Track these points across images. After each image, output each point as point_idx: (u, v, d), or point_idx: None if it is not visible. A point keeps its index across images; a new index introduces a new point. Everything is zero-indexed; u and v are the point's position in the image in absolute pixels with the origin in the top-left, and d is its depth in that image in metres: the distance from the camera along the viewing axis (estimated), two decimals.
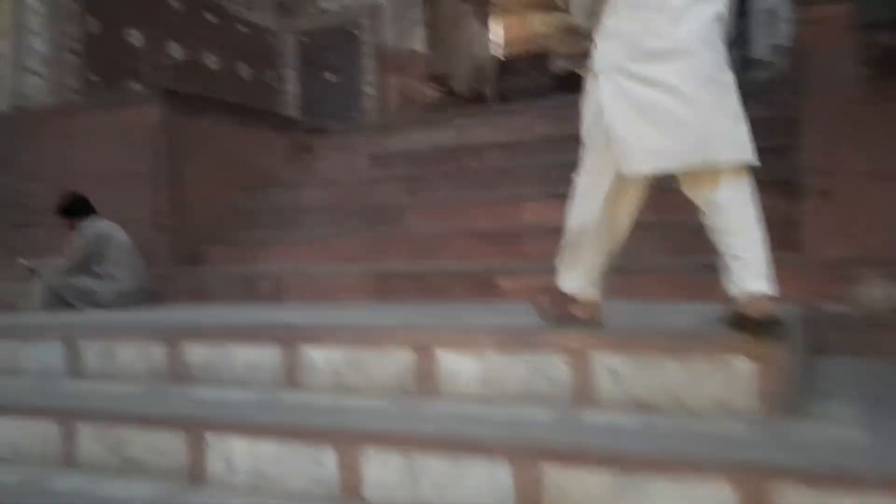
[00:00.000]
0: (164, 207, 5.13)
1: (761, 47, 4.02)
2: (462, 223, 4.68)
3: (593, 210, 2.39)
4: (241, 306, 4.44)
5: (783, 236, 3.84)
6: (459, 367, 2.54)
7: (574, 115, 5.84)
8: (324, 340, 2.76)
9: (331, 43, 7.47)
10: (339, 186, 5.65)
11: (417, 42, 7.81)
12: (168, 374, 3.07)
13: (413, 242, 4.66)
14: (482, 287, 4.02)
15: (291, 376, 2.80)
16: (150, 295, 4.80)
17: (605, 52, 2.24)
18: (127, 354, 3.18)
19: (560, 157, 4.91)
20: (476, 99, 8.90)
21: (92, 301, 4.58)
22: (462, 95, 8.62)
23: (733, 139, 2.20)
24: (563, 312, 2.52)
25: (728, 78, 2.18)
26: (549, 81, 9.13)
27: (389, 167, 5.77)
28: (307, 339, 2.80)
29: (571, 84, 9.62)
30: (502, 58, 9.76)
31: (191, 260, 5.18)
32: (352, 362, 2.71)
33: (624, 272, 3.77)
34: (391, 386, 2.63)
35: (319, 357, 2.76)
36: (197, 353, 3.01)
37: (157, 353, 3.11)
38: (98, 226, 4.72)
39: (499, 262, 4.22)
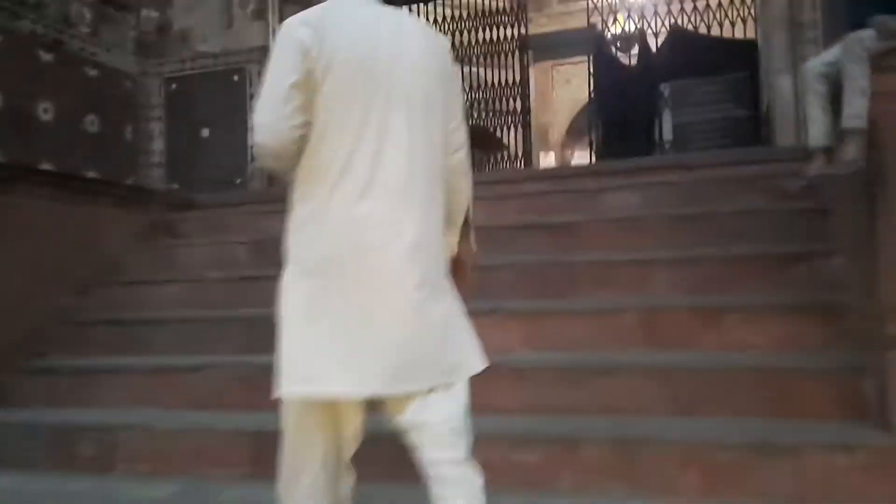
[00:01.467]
0: None
1: (818, 130, 2.98)
2: None
3: None
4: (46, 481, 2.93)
5: (845, 396, 2.75)
6: None
7: (527, 192, 4.20)
8: None
9: (208, 91, 6.05)
10: (208, 286, 4.21)
11: None
12: None
13: None
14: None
15: None
16: None
17: None
18: None
19: (513, 258, 3.71)
20: None
21: None
22: None
23: None
24: None
25: None
26: (471, 140, 7.95)
27: (277, 258, 4.36)
28: None
29: (492, 141, 8.51)
30: None
31: None
32: None
33: None
34: None
35: None
36: None
37: None
38: None
39: None
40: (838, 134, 2.78)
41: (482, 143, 8.58)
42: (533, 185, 4.45)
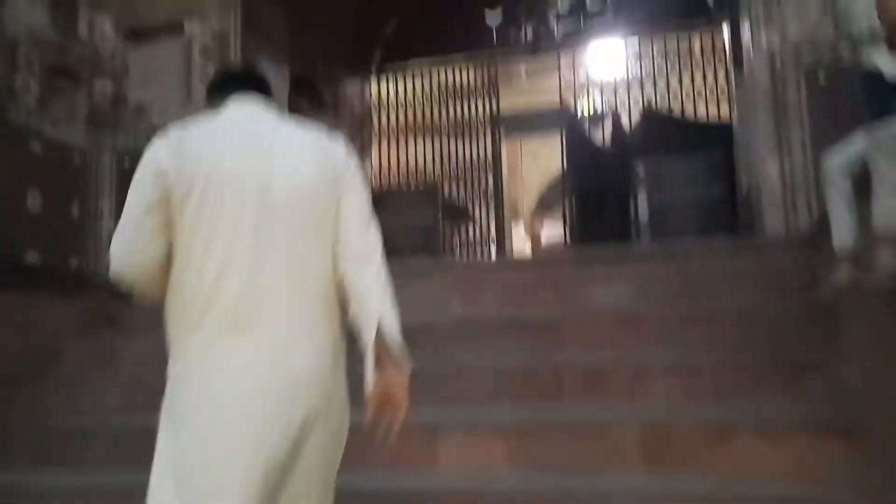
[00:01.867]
0: None
1: (845, 231, 2.68)
2: None
3: None
4: None
5: None
6: None
7: (506, 282, 3.94)
8: None
9: None
10: (151, 389, 3.74)
11: None
12: None
13: None
14: None
15: None
16: None
17: None
18: None
19: (493, 358, 3.35)
20: None
21: None
22: None
23: None
24: None
25: None
26: (441, 217, 7.69)
27: None
28: None
29: (464, 217, 8.26)
30: (381, 190, 8.25)
31: None
32: None
33: None
34: None
35: None
36: None
37: None
38: None
39: None
40: (869, 237, 2.50)
41: (450, 214, 8.33)
42: (513, 275, 4.13)
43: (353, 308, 1.65)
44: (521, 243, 15.09)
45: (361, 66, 7.81)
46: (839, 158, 2.70)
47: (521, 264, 4.42)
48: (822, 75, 4.62)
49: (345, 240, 1.65)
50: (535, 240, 15.73)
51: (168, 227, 1.57)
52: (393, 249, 6.55)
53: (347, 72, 7.56)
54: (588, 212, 7.67)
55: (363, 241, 1.67)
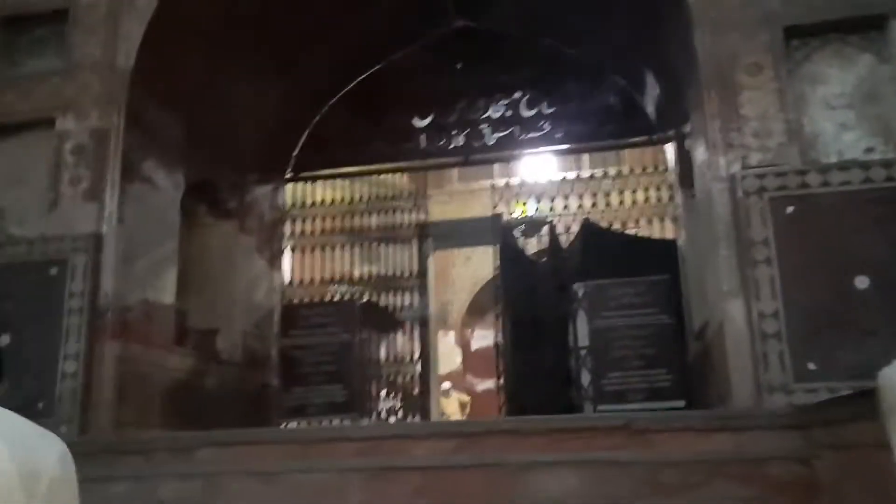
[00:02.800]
0: None
1: None
2: None
3: None
4: None
5: None
6: None
7: (426, 463, 2.85)
8: None
9: (16, 286, 4.68)
10: None
11: (164, 290, 5.23)
12: None
13: None
14: None
15: None
16: None
17: None
18: None
19: None
20: (252, 365, 6.33)
21: None
22: (231, 362, 6.02)
23: None
24: None
25: None
26: (360, 332, 6.76)
27: None
28: None
29: (391, 325, 7.35)
30: (291, 304, 7.34)
31: None
32: None
33: None
34: None
35: None
36: None
37: None
38: None
39: None
40: None
41: (375, 323, 7.48)
42: (432, 451, 3.24)
43: None
44: (450, 353, 14.27)
45: (275, 170, 7.02)
46: None
47: (444, 433, 3.56)
48: (790, 207, 4.06)
49: None
50: (465, 349, 14.96)
51: None
52: (298, 377, 5.48)
53: (258, 176, 6.75)
54: (523, 335, 6.95)
55: None
